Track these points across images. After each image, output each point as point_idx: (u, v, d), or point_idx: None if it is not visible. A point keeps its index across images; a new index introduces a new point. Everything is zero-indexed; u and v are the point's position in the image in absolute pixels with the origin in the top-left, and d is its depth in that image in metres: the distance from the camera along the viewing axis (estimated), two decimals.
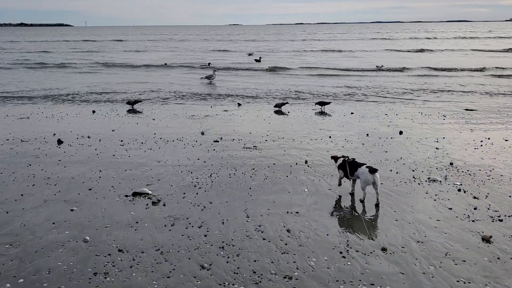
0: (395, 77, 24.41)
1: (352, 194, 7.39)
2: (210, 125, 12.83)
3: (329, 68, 29.47)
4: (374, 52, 44.38)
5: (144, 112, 14.95)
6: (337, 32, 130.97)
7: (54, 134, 11.56)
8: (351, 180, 7.35)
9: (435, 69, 28.23)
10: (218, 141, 10.91)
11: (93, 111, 14.99)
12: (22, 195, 7.32)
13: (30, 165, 8.94)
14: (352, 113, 14.61)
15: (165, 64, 32.74)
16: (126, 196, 7.26)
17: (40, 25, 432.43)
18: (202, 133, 11.81)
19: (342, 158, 7.41)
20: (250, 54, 40.86)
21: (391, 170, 8.54)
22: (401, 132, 11.62)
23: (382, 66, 28.22)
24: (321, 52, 44.67)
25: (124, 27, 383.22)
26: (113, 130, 12.16)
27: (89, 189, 7.56)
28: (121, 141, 10.95)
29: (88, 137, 11.35)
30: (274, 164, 9.03)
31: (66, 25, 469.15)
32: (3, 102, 17.27)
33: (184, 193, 7.38)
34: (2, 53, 47.66)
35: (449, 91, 19.50)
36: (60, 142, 10.78)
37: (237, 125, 12.87)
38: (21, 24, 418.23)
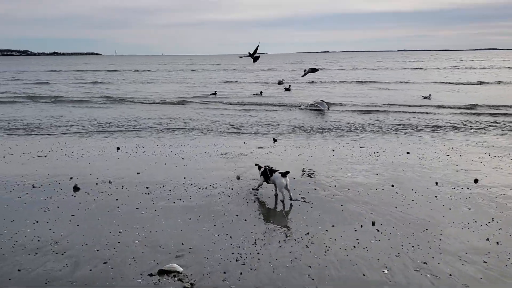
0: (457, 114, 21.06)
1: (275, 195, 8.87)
2: (245, 167, 11.21)
3: (373, 105, 27.68)
4: (423, 84, 39.24)
5: (173, 149, 13.48)
6: (365, 60, 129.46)
7: (71, 178, 10.13)
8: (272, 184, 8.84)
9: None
10: (257, 190, 9.27)
11: (118, 148, 13.61)
12: (19, 270, 5.78)
13: (37, 222, 7.46)
14: (408, 152, 12.76)
15: (215, 92, 31.32)
16: (150, 275, 5.62)
17: (72, 54, 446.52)
18: (238, 178, 10.19)
19: (264, 167, 9.01)
20: (280, 83, 39.56)
21: None
22: (476, 181, 9.72)
23: (430, 95, 25.98)
24: (356, 84, 42.30)
25: (151, 56, 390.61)
26: (138, 173, 10.66)
27: (104, 263, 5.96)
28: (147, 188, 9.42)
29: (110, 182, 9.86)
30: (334, 226, 7.28)
31: (97, 54, 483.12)
32: (21, 134, 16.16)
33: (224, 273, 5.69)
34: (11, 84, 48.23)
35: None
36: (76, 189, 9.32)
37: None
38: (54, 53, 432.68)
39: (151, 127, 17.65)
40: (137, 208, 8.13)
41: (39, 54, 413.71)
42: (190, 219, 7.60)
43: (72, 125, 18.24)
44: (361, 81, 42.54)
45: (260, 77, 52.98)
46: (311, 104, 23.12)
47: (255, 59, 15.50)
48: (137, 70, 74.52)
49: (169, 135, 16.02)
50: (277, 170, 8.69)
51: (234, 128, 17.47)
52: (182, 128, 17.43)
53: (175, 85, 41.22)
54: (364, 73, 57.69)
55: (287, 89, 32.73)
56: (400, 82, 41.20)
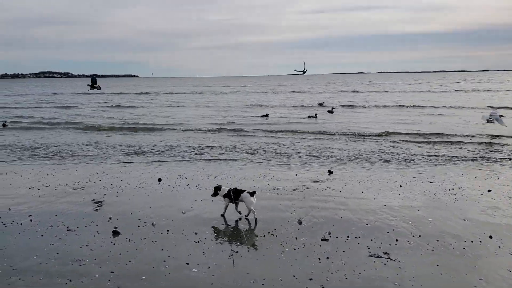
0: None
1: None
2: (304, 206, 9.77)
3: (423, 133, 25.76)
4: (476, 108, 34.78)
5: (218, 181, 12.19)
6: (401, 81, 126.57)
7: (110, 219, 8.95)
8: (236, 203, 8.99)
9: None
10: (326, 240, 7.79)
11: (159, 180, 12.44)
12: None
13: (70, 281, 6.22)
14: (489, 190, 11.00)
15: (267, 114, 30.45)
16: None
17: (111, 76, 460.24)
18: (300, 222, 8.74)
19: (227, 189, 9.07)
20: (320, 104, 38.14)
21: None
22: None
23: (496, 116, 22.39)
24: (398, 109, 39.53)
25: (186, 78, 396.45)
26: (183, 213, 9.38)
27: None
28: (195, 233, 8.11)
29: (153, 224, 8.61)
30: None
31: (135, 76, 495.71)
32: (56, 163, 15.31)
33: None
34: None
35: None
36: (116, 233, 8.11)
37: (340, 207, 9.73)
38: (94, 75, 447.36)
39: (191, 155, 16.51)
40: (187, 264, 6.80)
41: (79, 76, 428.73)
42: (254, 282, 6.19)
43: (109, 153, 17.31)
44: (403, 105, 40.24)
45: (297, 100, 51.67)
46: (489, 116, 21.40)
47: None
48: (172, 93, 74.59)
49: (212, 164, 14.79)
50: (244, 190, 8.96)
51: (281, 156, 16.08)
52: (225, 157, 16.19)
53: (208, 109, 40.21)
54: (405, 96, 55.49)
55: (330, 112, 31.27)
56: (447, 107, 38.58)
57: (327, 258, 7.08)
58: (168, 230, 8.31)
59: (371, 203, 10.11)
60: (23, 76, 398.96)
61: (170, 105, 46.02)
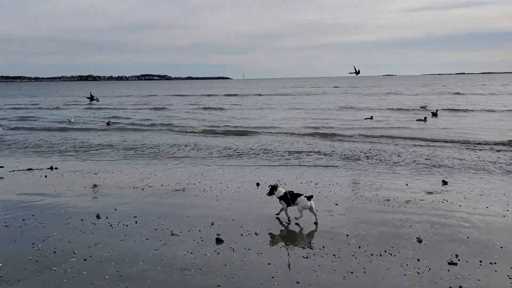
0: None
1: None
2: (421, 221, 8.64)
3: None
4: None
5: (320, 189, 11.42)
6: (508, 83, 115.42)
7: (212, 224, 8.58)
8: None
9: None
10: (455, 264, 6.68)
11: (257, 184, 11.99)
12: None
13: None
14: None
15: (371, 117, 29.40)
16: None
17: (204, 78, 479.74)
18: (419, 241, 7.66)
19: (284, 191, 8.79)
20: (423, 107, 35.61)
21: None
22: None
23: None
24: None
25: (277, 79, 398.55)
26: (287, 222, 8.76)
27: None
28: (303, 247, 7.42)
29: (256, 234, 8.09)
30: None
31: (226, 78, 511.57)
32: (159, 163, 15.60)
33: None
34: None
35: None
36: (219, 241, 7.71)
37: (463, 224, 8.49)
38: (189, 78, 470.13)
39: (287, 159, 15.93)
40: (298, 283, 6.12)
41: (176, 78, 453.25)
42: None
43: (207, 155, 17.36)
44: None
45: (394, 102, 49.01)
46: None
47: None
48: (259, 94, 74.92)
49: (310, 170, 14.06)
50: (301, 194, 8.73)
51: (386, 163, 14.84)
52: (325, 163, 15.35)
53: (299, 111, 39.28)
54: None
55: (435, 114, 28.98)
56: None
57: (460, 287, 6.00)
58: (272, 241, 7.72)
59: (500, 221, 8.69)
60: (126, 78, 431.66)
61: (260, 107, 45.39)
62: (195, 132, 24.62)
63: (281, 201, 8.81)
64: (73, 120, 31.66)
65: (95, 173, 13.74)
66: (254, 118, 32.76)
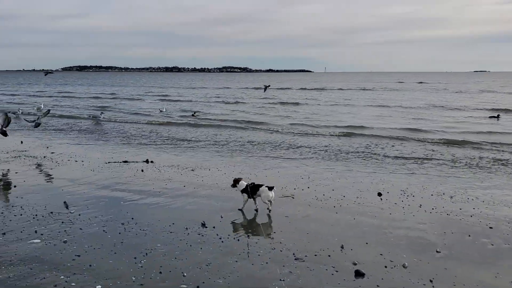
0: None
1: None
2: None
3: None
4: None
5: (456, 201, 9.29)
6: None
7: (342, 248, 6.92)
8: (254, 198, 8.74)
9: None
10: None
11: (379, 194, 10.14)
12: None
13: None
14: None
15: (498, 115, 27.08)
16: None
17: (285, 71, 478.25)
18: None
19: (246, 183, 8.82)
20: None
21: None
22: None
23: None
24: None
25: (359, 73, 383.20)
26: (437, 251, 6.85)
27: None
28: None
29: (404, 266, 6.30)
30: None
31: (308, 71, 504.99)
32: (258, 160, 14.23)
33: None
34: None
35: None
36: (359, 274, 6.03)
37: None
38: (269, 70, 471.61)
39: (403, 165, 13.85)
40: None
41: (256, 71, 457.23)
42: None
43: (305, 154, 15.74)
44: None
45: (489, 102, 43.93)
46: None
47: None
48: (341, 89, 71.27)
49: (438, 179, 11.88)
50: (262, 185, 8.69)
51: None
52: (452, 172, 13.05)
53: (385, 109, 35.84)
54: None
55: None
56: None
57: None
58: (431, 280, 5.88)
59: None
60: (209, 70, 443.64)
61: (344, 103, 41.95)
62: (279, 131, 22.95)
63: (243, 193, 8.80)
64: (164, 110, 31.66)
65: (192, 170, 12.69)
66: (341, 115, 30.47)
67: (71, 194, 9.99)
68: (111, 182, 11.17)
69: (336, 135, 20.28)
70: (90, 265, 6.18)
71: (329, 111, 33.37)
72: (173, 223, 8.01)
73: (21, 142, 17.40)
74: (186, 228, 7.74)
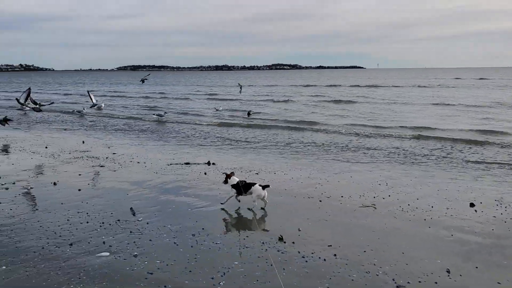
0: None
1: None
2: None
3: None
4: None
5: None
6: None
7: (448, 272, 5.90)
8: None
9: None
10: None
11: (472, 205, 8.95)
12: None
13: None
14: None
15: None
16: None
17: (336, 67, 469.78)
18: None
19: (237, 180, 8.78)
20: None
21: None
22: None
23: None
24: None
25: (414, 69, 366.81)
26: None
27: None
28: None
29: None
30: None
31: (359, 67, 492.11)
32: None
33: None
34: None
35: None
36: None
37: None
38: (320, 67, 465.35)
39: (489, 170, 12.40)
40: None
41: (306, 67, 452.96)
42: None
43: (376, 157, 14.62)
44: None
45: None
46: None
47: None
48: (395, 86, 68.08)
49: None
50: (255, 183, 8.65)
51: None
52: None
53: (448, 108, 33.37)
54: None
55: None
56: None
57: None
58: None
59: None
60: (258, 68, 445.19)
61: (402, 101, 39.50)
62: (341, 132, 21.77)
63: (233, 189, 8.80)
64: (220, 109, 31.34)
65: (257, 173, 11.99)
66: (403, 115, 28.72)
67: (137, 198, 9.55)
68: (175, 185, 10.66)
69: (405, 137, 18.76)
70: (165, 286, 5.56)
71: (388, 110, 31.56)
72: (248, 236, 7.29)
73: (83, 142, 17.42)
74: (263, 243, 7.00)
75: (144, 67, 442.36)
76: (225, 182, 8.94)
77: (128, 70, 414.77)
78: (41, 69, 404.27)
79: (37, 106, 22.65)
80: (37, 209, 8.66)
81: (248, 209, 8.78)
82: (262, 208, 8.77)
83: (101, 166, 12.79)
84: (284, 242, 7.02)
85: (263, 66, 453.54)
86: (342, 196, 9.73)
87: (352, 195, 9.86)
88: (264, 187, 8.65)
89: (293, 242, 7.03)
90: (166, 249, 6.75)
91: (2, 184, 10.54)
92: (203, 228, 7.62)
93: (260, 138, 18.79)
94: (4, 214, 8.31)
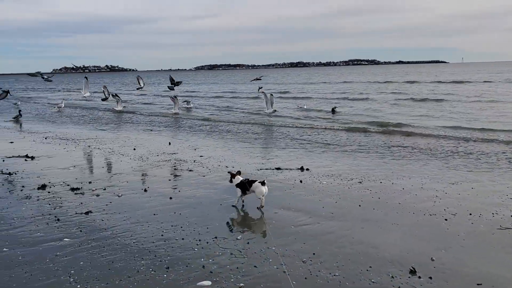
0: None
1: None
2: None
3: None
4: None
5: None
6: None
7: None
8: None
9: None
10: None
11: None
12: None
13: None
14: None
15: None
16: None
17: (417, 62, 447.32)
18: None
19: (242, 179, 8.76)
20: None
21: None
22: None
23: None
24: None
25: (502, 62, 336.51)
26: None
27: None
28: None
29: None
30: None
31: (442, 61, 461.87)
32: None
33: None
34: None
35: None
36: None
37: None
38: (399, 62, 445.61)
39: None
40: None
41: (385, 63, 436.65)
42: None
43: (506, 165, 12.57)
44: None
45: None
46: None
47: None
48: (487, 81, 61.26)
49: None
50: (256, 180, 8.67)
51: None
52: None
53: None
54: None
55: None
56: None
57: None
58: None
59: None
60: (334, 64, 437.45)
61: (505, 99, 34.62)
62: (441, 136, 19.53)
63: (238, 188, 8.75)
64: (305, 107, 30.11)
65: (359, 182, 10.64)
66: (507, 114, 25.48)
67: (231, 210, 8.67)
68: (270, 195, 9.62)
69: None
70: None
71: (488, 109, 28.27)
72: (370, 267, 6.02)
73: (169, 144, 17.10)
74: (392, 277, 5.71)
75: (220, 66, 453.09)
76: (230, 181, 8.98)
77: (205, 69, 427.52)
78: (125, 70, 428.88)
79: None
80: (129, 221, 8.05)
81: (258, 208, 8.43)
82: (258, 208, 8.63)
83: (190, 171, 12.15)
84: (419, 277, 5.68)
85: (340, 62, 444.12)
86: (470, 214, 8.13)
87: (482, 212, 8.22)
88: (262, 183, 8.51)
89: (430, 278, 5.67)
90: (275, 279, 5.71)
91: (93, 190, 10.19)
92: (314, 253, 6.48)
93: (352, 140, 17.32)
94: (96, 226, 7.79)
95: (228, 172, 9.24)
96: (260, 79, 32.76)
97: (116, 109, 31.39)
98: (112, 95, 32.43)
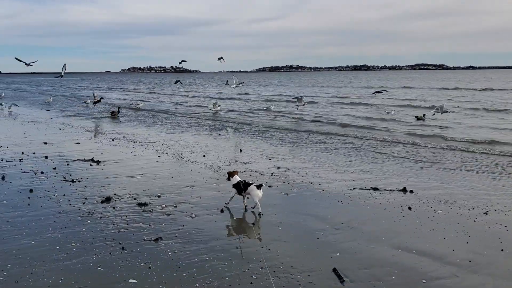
0: None
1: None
2: None
3: None
4: None
5: None
6: None
7: None
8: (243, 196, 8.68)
9: None
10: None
11: None
12: None
13: None
14: None
15: None
16: None
17: (490, 67, 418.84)
18: None
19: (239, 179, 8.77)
20: None
21: None
22: None
23: None
24: None
25: None
26: None
27: None
28: None
29: None
30: None
31: None
32: None
33: None
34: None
35: None
36: None
37: None
38: (469, 67, 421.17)
39: None
40: None
41: (454, 68, 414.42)
42: None
43: None
44: None
45: None
46: None
47: None
48: None
49: None
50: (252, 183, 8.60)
51: None
52: None
53: None
54: None
55: None
56: None
57: None
58: None
59: None
60: (400, 68, 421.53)
61: None
62: None
63: (233, 188, 8.67)
64: (392, 113, 27.27)
65: (484, 212, 8.41)
66: None
67: (334, 249, 6.79)
68: (377, 228, 7.69)
69: None
70: None
71: None
72: None
73: (240, 151, 15.56)
74: None
75: (281, 68, 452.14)
76: (228, 179, 9.00)
77: (266, 71, 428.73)
78: (189, 71, 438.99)
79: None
80: (207, 256, 6.43)
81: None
82: (255, 213, 8.44)
83: (269, 186, 10.42)
84: None
85: (406, 66, 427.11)
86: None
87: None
88: (258, 186, 8.40)
89: None
90: None
91: (163, 207, 8.75)
92: (394, 276, 4.45)
93: (449, 155, 14.84)
94: (167, 260, 6.25)
95: (227, 172, 9.18)
96: (382, 92, 29.98)
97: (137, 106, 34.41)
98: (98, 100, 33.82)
